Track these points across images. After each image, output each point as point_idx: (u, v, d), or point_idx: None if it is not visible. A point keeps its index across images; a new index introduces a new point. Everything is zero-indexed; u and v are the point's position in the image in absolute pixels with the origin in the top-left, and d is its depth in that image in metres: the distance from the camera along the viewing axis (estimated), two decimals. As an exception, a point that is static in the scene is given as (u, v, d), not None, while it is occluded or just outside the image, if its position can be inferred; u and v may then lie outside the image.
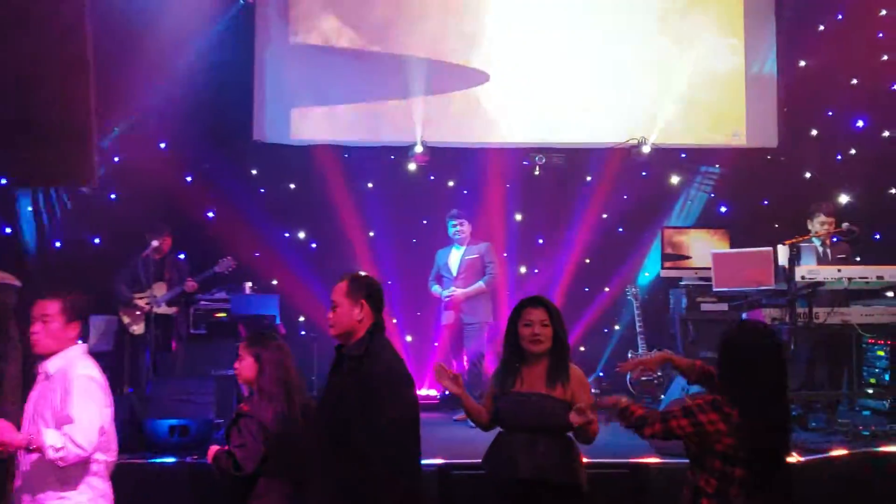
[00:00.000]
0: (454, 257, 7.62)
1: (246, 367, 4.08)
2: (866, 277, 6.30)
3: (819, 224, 6.93)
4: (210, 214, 8.72)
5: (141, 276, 7.24)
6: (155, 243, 7.28)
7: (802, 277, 6.20)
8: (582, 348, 8.74)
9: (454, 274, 7.55)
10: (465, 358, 7.50)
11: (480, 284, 7.50)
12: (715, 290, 6.75)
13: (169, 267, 7.67)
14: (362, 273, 3.63)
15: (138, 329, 7.37)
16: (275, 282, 8.64)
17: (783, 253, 6.34)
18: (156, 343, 6.99)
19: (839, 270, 6.28)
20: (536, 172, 8.83)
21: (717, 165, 9.06)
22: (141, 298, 7.37)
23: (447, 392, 7.05)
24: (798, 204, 7.81)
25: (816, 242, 6.87)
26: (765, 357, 3.13)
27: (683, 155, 9.14)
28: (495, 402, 3.88)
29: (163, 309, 7.47)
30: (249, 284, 8.07)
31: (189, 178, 8.71)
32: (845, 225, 6.67)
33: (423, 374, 8.45)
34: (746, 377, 3.09)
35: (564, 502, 3.74)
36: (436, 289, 7.69)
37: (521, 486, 3.68)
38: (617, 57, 9.06)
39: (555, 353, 3.84)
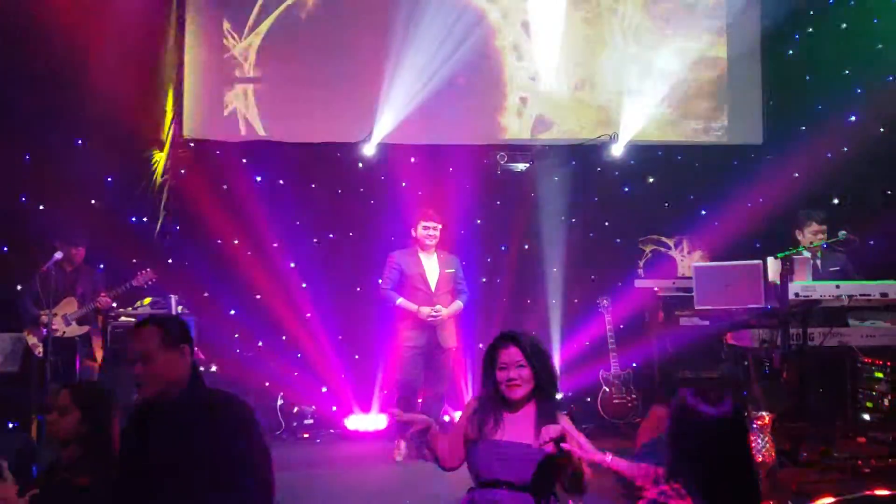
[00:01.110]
0: (430, 268, 6.60)
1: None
2: (868, 294, 5.52)
3: (811, 234, 6.17)
4: (132, 219, 7.77)
5: (39, 292, 6.32)
6: (58, 255, 6.39)
7: (796, 295, 5.42)
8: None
9: (433, 289, 6.54)
10: (431, 389, 6.57)
11: (460, 305, 6.68)
12: (697, 307, 5.92)
13: (83, 280, 6.81)
14: (162, 313, 3.01)
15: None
16: (206, 294, 7.75)
17: (774, 267, 5.53)
18: (53, 370, 6.07)
19: (837, 287, 5.48)
20: (499, 172, 7.97)
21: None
22: (48, 316, 6.49)
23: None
24: (785, 205, 7.14)
25: (808, 255, 6.08)
26: (711, 442, 2.56)
27: (660, 153, 8.33)
28: (468, 447, 3.31)
29: (72, 328, 6.61)
30: (175, 298, 7.17)
31: (110, 179, 7.76)
32: (842, 233, 5.90)
33: (371, 396, 7.64)
34: (691, 465, 2.57)
35: None
36: (404, 302, 6.47)
37: None
38: (587, 45, 8.25)
39: (540, 396, 3.31)
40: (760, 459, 4.89)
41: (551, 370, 3.37)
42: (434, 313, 6.43)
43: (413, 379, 6.47)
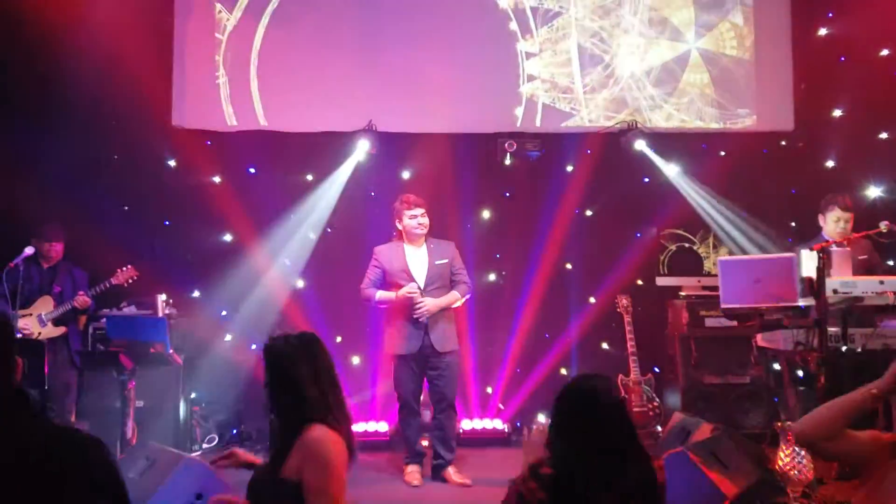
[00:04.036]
0: (416, 261, 5.75)
1: None
2: (919, 290, 4.88)
3: (833, 221, 5.58)
4: (121, 212, 7.33)
5: (5, 290, 5.87)
6: (29, 250, 5.97)
7: (834, 291, 4.83)
8: (563, 371, 7.40)
9: (422, 285, 5.69)
10: (438, 404, 5.77)
11: (456, 295, 5.78)
12: (723, 306, 5.32)
13: (61, 278, 6.39)
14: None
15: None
16: (196, 293, 7.28)
17: (808, 260, 4.93)
18: (22, 375, 5.59)
19: (881, 283, 4.88)
20: (507, 162, 7.41)
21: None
22: (23, 317, 6.08)
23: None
24: (818, 196, 6.51)
25: (844, 248, 5.45)
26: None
27: (683, 141, 7.71)
28: None
29: (48, 329, 6.18)
30: (163, 297, 6.71)
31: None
32: (884, 224, 5.27)
33: (373, 403, 7.14)
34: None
35: None
36: (382, 294, 5.70)
37: None
38: (602, 24, 7.70)
39: None
40: (795, 475, 4.33)
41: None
42: (413, 294, 5.56)
43: (410, 392, 5.72)
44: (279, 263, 7.31)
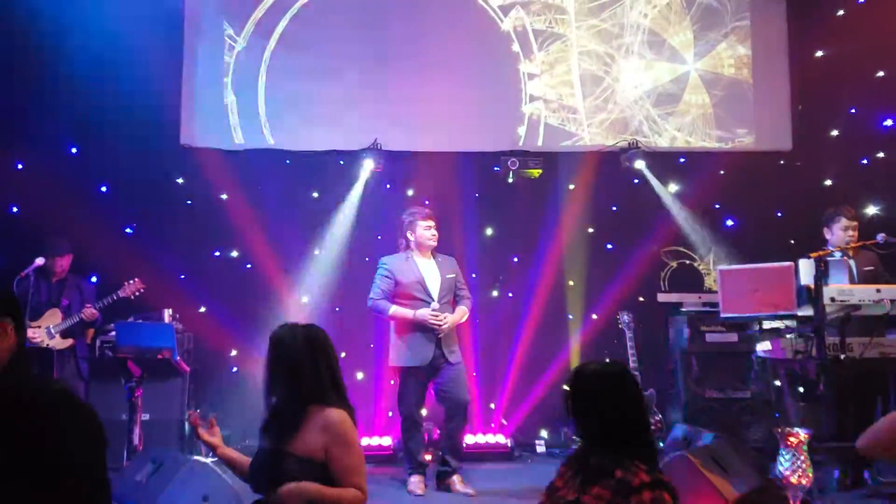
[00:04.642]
0: (429, 273, 5.74)
1: None
2: (915, 299, 4.96)
3: (841, 230, 5.66)
4: (128, 230, 7.43)
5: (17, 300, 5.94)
6: (39, 261, 6.07)
7: (832, 300, 4.90)
8: (565, 387, 7.41)
9: (435, 297, 5.66)
10: (453, 416, 5.69)
11: (465, 311, 5.79)
12: (722, 315, 5.39)
13: (69, 291, 6.48)
14: None
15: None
16: (202, 309, 7.35)
17: (806, 268, 5.02)
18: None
19: (878, 291, 4.96)
20: (510, 180, 7.52)
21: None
22: (31, 328, 6.16)
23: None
24: (816, 216, 6.61)
25: (838, 256, 5.56)
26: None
27: (682, 160, 7.85)
28: None
29: (56, 341, 6.26)
30: (169, 312, 6.79)
31: (104, 189, 7.45)
32: (880, 236, 5.38)
33: (377, 418, 7.17)
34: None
35: None
36: (398, 310, 5.62)
37: None
38: (604, 46, 7.86)
39: None
40: (795, 481, 4.37)
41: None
42: (435, 316, 5.54)
43: (414, 404, 5.67)
44: (286, 280, 7.38)
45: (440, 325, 5.57)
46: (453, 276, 5.83)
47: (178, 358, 5.84)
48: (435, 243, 5.82)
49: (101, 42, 7.04)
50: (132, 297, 6.34)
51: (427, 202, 7.31)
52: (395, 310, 5.67)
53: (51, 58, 7.00)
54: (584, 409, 2.67)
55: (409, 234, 5.82)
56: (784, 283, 5.05)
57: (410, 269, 5.73)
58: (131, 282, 6.33)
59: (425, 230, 5.76)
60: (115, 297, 6.29)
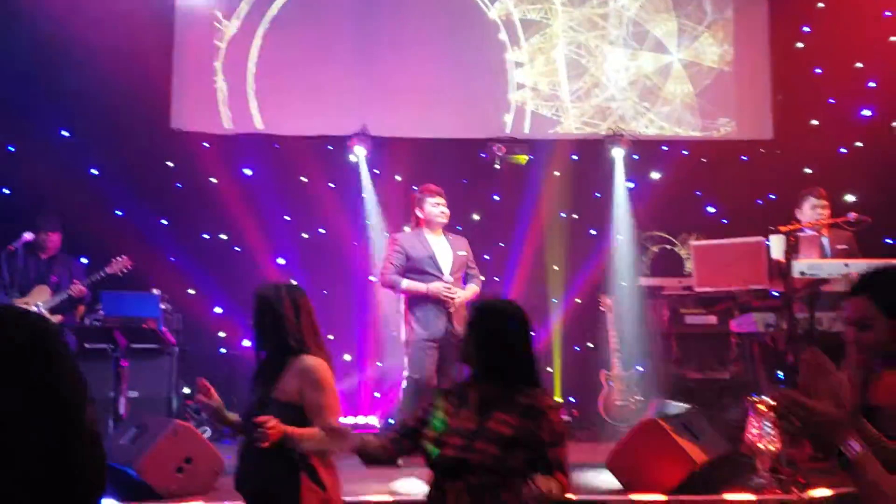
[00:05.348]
0: (441, 250, 5.72)
1: None
2: (882, 274, 5.07)
3: (810, 209, 5.77)
4: (119, 213, 7.53)
5: (5, 275, 6.06)
6: (28, 236, 6.16)
7: (801, 274, 5.03)
8: (549, 369, 7.56)
9: (447, 273, 5.63)
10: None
11: (476, 289, 5.78)
12: (697, 289, 5.51)
13: (58, 269, 6.56)
14: None
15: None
16: (191, 291, 7.46)
17: (777, 244, 5.14)
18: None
19: (846, 266, 5.08)
20: (497, 166, 7.64)
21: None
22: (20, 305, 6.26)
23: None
24: (796, 203, 6.74)
25: (809, 233, 5.69)
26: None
27: (665, 147, 7.98)
28: None
29: (45, 318, 6.34)
30: (157, 292, 6.88)
31: (95, 171, 7.56)
32: (851, 214, 5.50)
33: (361, 396, 7.29)
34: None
35: None
36: (411, 284, 5.59)
37: None
38: (588, 36, 7.99)
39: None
40: (764, 447, 4.48)
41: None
42: (447, 291, 5.51)
43: (427, 378, 5.49)
44: (273, 262, 7.49)
45: (452, 299, 5.57)
46: (465, 253, 5.83)
47: (164, 328, 5.94)
48: (445, 220, 5.82)
49: (92, 26, 7.13)
50: (120, 273, 6.39)
51: (415, 188, 7.43)
52: (407, 284, 5.64)
53: (42, 41, 7.08)
54: (485, 342, 2.81)
55: (418, 212, 5.84)
56: (756, 258, 5.19)
57: (422, 244, 5.72)
58: (119, 258, 6.40)
59: (433, 206, 5.76)
60: (103, 274, 6.35)
